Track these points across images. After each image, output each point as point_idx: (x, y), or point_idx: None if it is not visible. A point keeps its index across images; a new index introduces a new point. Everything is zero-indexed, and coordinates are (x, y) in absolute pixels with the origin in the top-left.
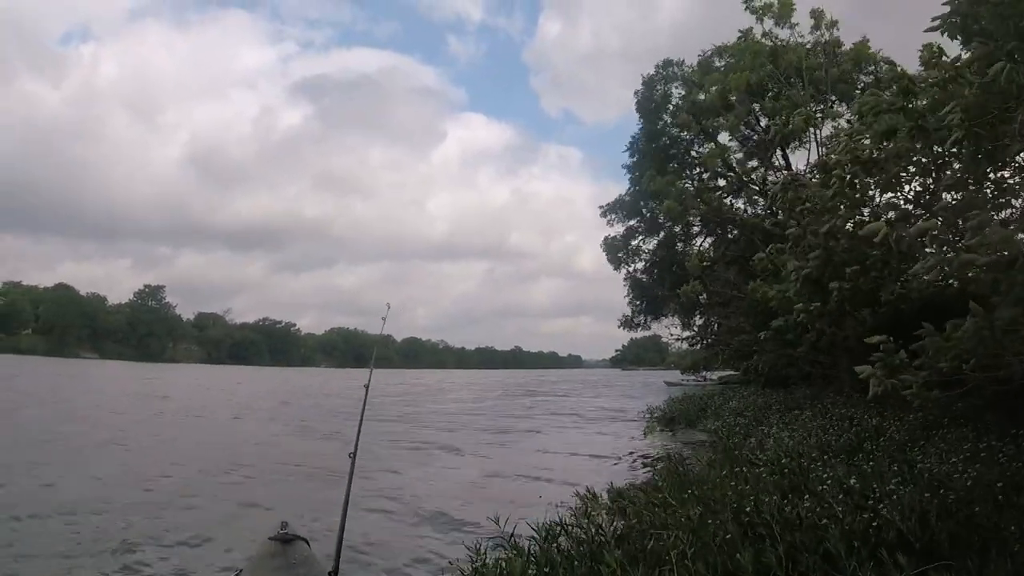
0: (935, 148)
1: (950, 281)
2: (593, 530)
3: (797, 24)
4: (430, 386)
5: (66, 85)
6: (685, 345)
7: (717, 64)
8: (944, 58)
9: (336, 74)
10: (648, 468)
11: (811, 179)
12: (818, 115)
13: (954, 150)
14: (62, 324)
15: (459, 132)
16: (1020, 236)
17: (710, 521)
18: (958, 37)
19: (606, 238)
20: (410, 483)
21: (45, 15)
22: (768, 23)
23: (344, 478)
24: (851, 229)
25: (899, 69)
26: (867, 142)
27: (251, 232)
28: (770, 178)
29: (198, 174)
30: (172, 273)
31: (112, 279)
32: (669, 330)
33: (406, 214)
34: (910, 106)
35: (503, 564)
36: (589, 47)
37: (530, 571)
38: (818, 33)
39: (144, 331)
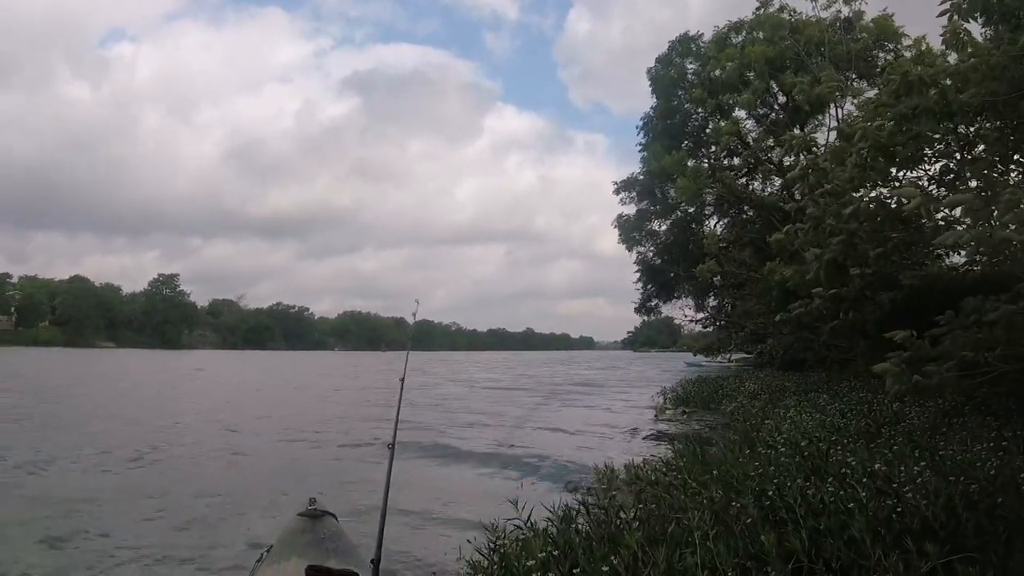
0: (960, 128)
1: (975, 266)
2: (612, 512)
3: None
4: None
5: (105, 86)
6: (698, 327)
7: (734, 40)
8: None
9: (380, 69)
10: (666, 449)
11: (830, 151)
12: (837, 93)
13: (981, 131)
14: (78, 315)
15: (492, 122)
16: None
17: (734, 503)
18: (975, 18)
19: (619, 216)
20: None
21: (86, 19)
22: None
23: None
24: (872, 209)
25: (923, 47)
26: (888, 124)
27: (282, 221)
28: (786, 160)
29: (232, 168)
30: (199, 263)
31: (139, 270)
32: (683, 312)
33: (436, 201)
34: (939, 85)
35: (520, 544)
36: (619, 43)
37: (549, 549)
38: (838, 6)
39: (159, 319)
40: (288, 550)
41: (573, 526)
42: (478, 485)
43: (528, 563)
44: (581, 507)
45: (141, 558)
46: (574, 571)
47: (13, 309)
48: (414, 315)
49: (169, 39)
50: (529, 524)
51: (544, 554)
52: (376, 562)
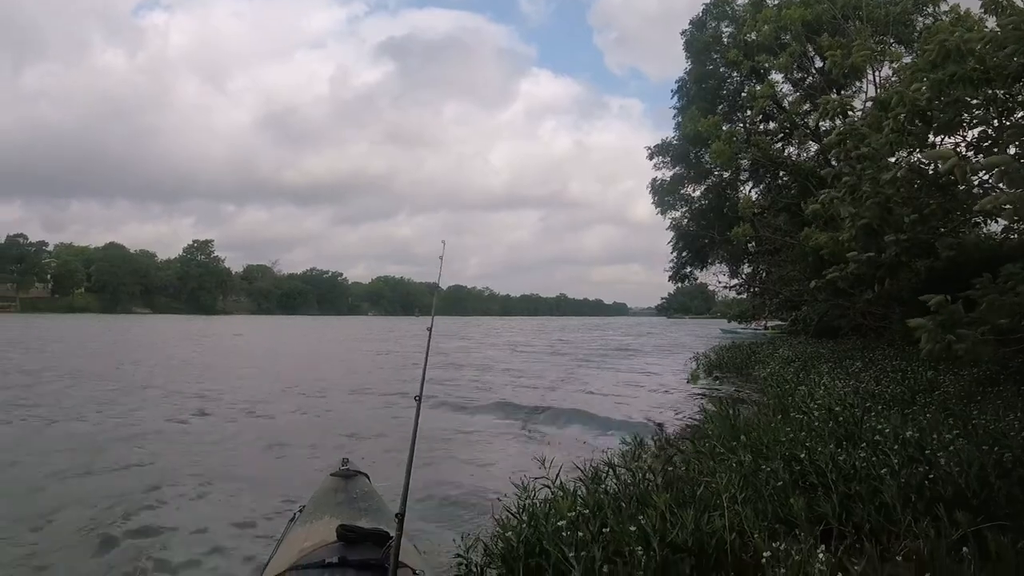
0: (998, 94)
1: (1012, 235)
2: (641, 474)
3: None
4: None
5: (139, 55)
6: (732, 294)
7: (769, 2)
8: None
9: (415, 35)
10: (697, 413)
11: (866, 117)
12: (876, 56)
13: (1019, 97)
14: (114, 282)
15: (527, 87)
16: None
17: (763, 467)
18: None
19: (653, 180)
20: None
21: None
22: None
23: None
24: (908, 174)
25: (962, 11)
26: (925, 90)
27: (317, 187)
28: (823, 125)
29: (266, 134)
30: (233, 229)
31: (175, 237)
32: (717, 278)
33: (470, 166)
34: (976, 53)
35: (550, 504)
36: (655, 7)
37: (578, 509)
38: None
39: (194, 285)
40: (320, 509)
41: (602, 487)
42: (511, 443)
43: (559, 523)
44: (610, 469)
45: (196, 508)
46: (603, 531)
47: (49, 277)
48: (440, 258)
49: (202, 7)
50: (558, 483)
51: (574, 513)
52: (400, 516)
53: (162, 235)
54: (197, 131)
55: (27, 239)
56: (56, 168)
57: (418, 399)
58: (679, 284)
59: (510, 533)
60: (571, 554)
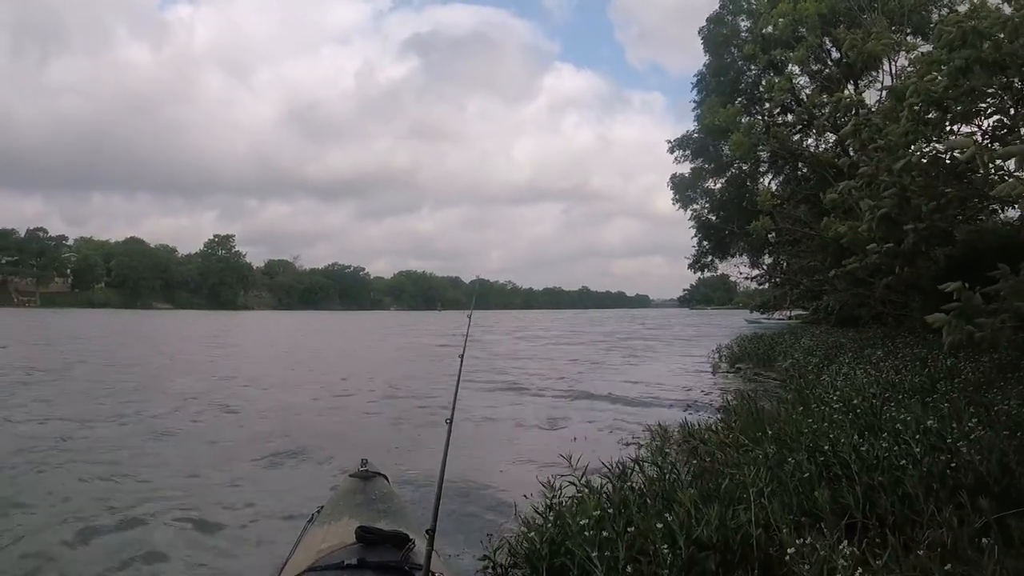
0: (1014, 83)
1: None
2: (666, 469)
3: None
4: None
5: (164, 49)
6: (754, 284)
7: None
8: None
9: (440, 31)
10: (720, 405)
11: (882, 109)
12: (892, 48)
13: None
14: (134, 277)
15: (550, 82)
16: None
17: (788, 460)
18: None
19: (673, 175)
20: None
21: None
22: None
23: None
24: (925, 163)
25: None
26: (941, 79)
27: (340, 182)
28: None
29: (291, 129)
30: (256, 224)
31: (197, 231)
32: (738, 269)
33: (493, 161)
34: (993, 38)
35: (577, 502)
36: (675, 4)
37: (604, 507)
38: None
39: (215, 280)
40: (339, 510)
41: (628, 483)
42: (539, 436)
43: (582, 522)
44: (635, 464)
45: (221, 504)
46: (629, 529)
47: (69, 271)
48: (475, 288)
49: (227, 1)
50: (584, 481)
51: (599, 511)
52: (431, 532)
53: (183, 229)
54: (220, 126)
55: (47, 233)
56: (78, 162)
57: (449, 422)
58: (700, 274)
59: (534, 533)
60: (594, 554)
